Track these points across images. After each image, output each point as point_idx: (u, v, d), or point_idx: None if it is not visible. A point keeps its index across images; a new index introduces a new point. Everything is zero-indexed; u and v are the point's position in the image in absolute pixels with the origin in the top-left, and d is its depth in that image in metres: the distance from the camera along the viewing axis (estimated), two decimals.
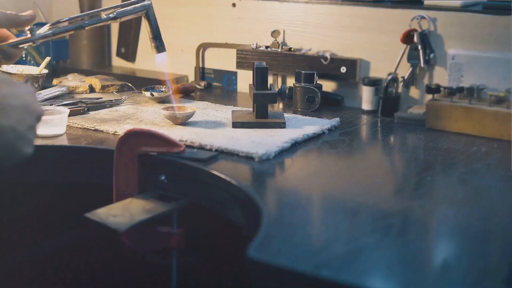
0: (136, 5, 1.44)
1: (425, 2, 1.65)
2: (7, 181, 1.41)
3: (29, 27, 1.30)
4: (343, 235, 0.97)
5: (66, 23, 1.39)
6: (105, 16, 1.41)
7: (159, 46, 1.48)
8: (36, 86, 1.60)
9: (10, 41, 1.29)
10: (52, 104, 1.56)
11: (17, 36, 1.33)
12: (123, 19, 1.43)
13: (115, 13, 1.41)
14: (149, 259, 1.73)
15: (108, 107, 1.63)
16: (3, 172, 1.37)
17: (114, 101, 1.66)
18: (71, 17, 1.40)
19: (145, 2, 1.45)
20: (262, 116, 1.49)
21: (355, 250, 0.91)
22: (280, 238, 0.96)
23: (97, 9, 1.44)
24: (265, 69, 1.49)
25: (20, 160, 1.01)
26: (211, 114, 1.59)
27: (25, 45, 1.31)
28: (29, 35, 1.32)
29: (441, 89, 1.53)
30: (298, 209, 1.09)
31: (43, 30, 1.34)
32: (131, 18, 1.48)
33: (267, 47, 1.85)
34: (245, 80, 1.93)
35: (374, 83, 1.69)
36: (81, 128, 1.48)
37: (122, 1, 2.06)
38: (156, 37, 1.47)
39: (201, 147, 1.33)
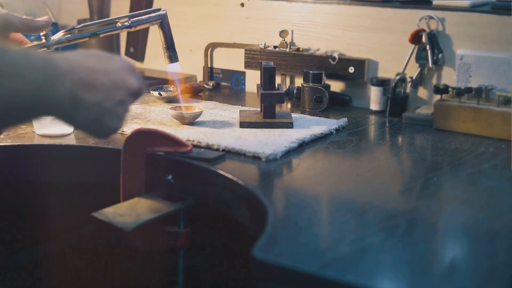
0: (151, 15, 1.45)
1: (434, 2, 1.64)
2: (13, 180, 1.42)
3: (44, 32, 1.31)
4: (349, 235, 0.97)
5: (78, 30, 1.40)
6: (120, 25, 1.41)
7: (172, 56, 1.48)
8: None
9: (25, 46, 1.30)
10: None
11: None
12: (138, 27, 1.43)
13: (130, 22, 1.41)
14: (156, 259, 1.73)
15: None
16: (8, 171, 1.37)
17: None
18: (86, 24, 1.41)
19: (160, 12, 1.46)
20: (269, 116, 1.48)
21: (361, 250, 0.91)
22: (286, 238, 0.96)
23: (113, 17, 1.44)
24: (273, 69, 1.49)
25: (108, 134, 1.04)
26: (218, 114, 1.59)
27: (40, 50, 1.32)
28: (43, 40, 1.32)
29: (449, 89, 1.52)
30: (304, 209, 1.09)
31: (58, 36, 1.35)
32: (146, 27, 1.48)
33: (275, 47, 1.85)
34: (253, 80, 1.93)
35: (382, 83, 1.68)
36: None
37: (131, 3, 2.09)
38: (170, 47, 1.48)
39: (208, 147, 1.34)
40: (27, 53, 0.91)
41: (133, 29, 1.42)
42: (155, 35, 2.10)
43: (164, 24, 1.46)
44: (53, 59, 0.93)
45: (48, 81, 0.90)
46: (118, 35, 2.19)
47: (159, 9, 1.46)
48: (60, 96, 0.92)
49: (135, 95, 1.05)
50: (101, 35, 1.40)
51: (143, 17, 1.43)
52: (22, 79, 0.86)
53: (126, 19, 1.42)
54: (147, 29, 2.13)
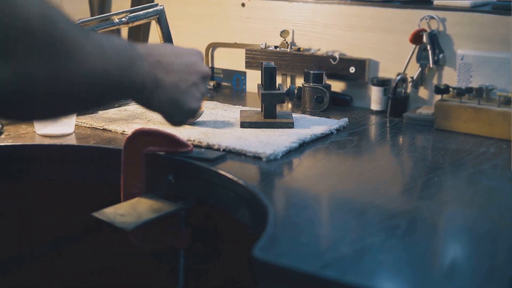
0: (149, 10, 1.45)
1: (434, 2, 1.64)
2: (14, 179, 1.42)
3: None
4: (349, 235, 0.97)
5: None
6: (117, 20, 1.41)
7: None
8: None
9: None
10: None
11: None
12: (135, 23, 1.44)
13: (127, 18, 1.42)
14: (156, 259, 1.73)
15: (117, 107, 1.63)
16: (9, 171, 1.37)
17: (123, 100, 1.66)
18: (84, 20, 1.41)
19: (157, 7, 1.46)
20: (270, 116, 1.48)
21: (361, 250, 0.91)
22: (286, 238, 0.96)
23: (109, 13, 1.45)
24: (273, 69, 1.49)
25: (188, 114, 1.11)
26: (219, 114, 1.59)
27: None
28: None
29: (450, 89, 1.52)
30: (304, 209, 1.09)
31: None
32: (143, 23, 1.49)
33: (276, 47, 1.85)
34: (254, 80, 1.93)
35: (383, 83, 1.68)
36: (89, 127, 1.48)
37: (132, 3, 2.09)
38: (168, 42, 1.48)
39: (208, 147, 1.33)
40: (109, 36, 0.97)
41: (130, 25, 1.42)
42: (156, 36, 2.10)
43: (161, 19, 1.47)
44: (131, 43, 0.99)
45: (130, 62, 0.95)
46: (119, 33, 2.19)
47: (156, 5, 1.46)
48: (141, 78, 0.98)
49: (206, 78, 1.14)
50: (99, 31, 1.41)
51: (140, 12, 1.44)
52: (108, 59, 0.90)
53: (124, 14, 1.42)
54: (148, 27, 2.13)
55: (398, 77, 1.65)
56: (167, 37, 1.48)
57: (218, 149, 1.32)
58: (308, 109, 1.69)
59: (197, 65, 1.12)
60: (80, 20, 1.40)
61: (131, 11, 1.43)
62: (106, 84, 0.92)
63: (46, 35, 0.81)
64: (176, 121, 1.14)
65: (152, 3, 1.47)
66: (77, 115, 1.47)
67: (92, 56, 0.87)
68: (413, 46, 1.64)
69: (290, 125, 1.46)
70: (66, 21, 0.84)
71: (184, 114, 1.11)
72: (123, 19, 1.41)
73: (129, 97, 1.03)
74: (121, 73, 0.94)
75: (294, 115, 1.55)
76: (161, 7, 1.45)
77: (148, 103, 1.04)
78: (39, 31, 0.80)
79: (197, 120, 1.50)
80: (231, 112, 1.60)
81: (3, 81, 0.79)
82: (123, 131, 1.44)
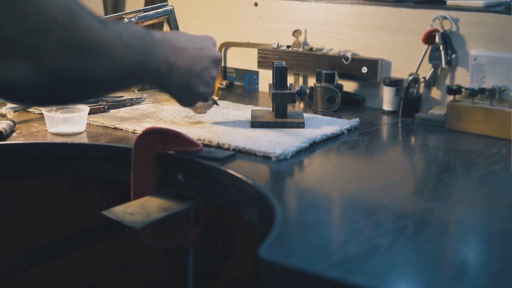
0: (158, 10, 1.46)
1: (448, 2, 1.64)
2: (25, 177, 1.43)
3: None
4: (357, 235, 0.97)
5: None
6: (127, 20, 1.42)
7: None
8: None
9: None
10: None
11: None
12: (145, 23, 1.45)
13: (137, 17, 1.42)
14: (166, 258, 1.73)
15: (128, 106, 1.64)
16: (20, 169, 1.38)
17: (134, 99, 1.67)
18: None
19: (167, 8, 1.46)
20: (281, 116, 1.48)
21: (368, 251, 0.91)
22: (293, 238, 0.96)
23: (120, 13, 1.46)
24: (284, 69, 1.49)
25: (196, 98, 1.20)
26: (230, 113, 1.59)
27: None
28: None
29: (463, 90, 1.51)
30: (313, 209, 1.08)
31: None
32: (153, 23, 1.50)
33: (288, 46, 1.85)
34: (266, 79, 1.93)
35: (395, 83, 1.67)
36: (101, 126, 1.49)
37: (145, 2, 2.09)
38: None
39: (218, 146, 1.33)
40: (126, 24, 1.05)
41: (140, 25, 1.43)
42: None
43: (171, 19, 1.47)
44: (148, 29, 1.04)
45: (147, 48, 1.00)
46: None
47: (166, 5, 1.46)
48: (157, 62, 1.04)
49: (217, 63, 1.20)
50: None
51: (150, 12, 1.45)
52: (127, 47, 0.95)
53: (134, 14, 1.43)
54: (161, 27, 2.13)
55: (411, 78, 1.64)
56: None
57: (228, 149, 1.32)
58: (319, 109, 1.68)
59: (209, 49, 1.17)
60: None
61: (141, 11, 1.44)
62: (126, 70, 0.96)
63: (70, 31, 0.85)
64: (185, 105, 1.21)
65: (163, 3, 1.47)
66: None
67: (112, 46, 0.91)
68: (426, 46, 1.64)
69: (300, 125, 1.46)
70: (88, 14, 0.88)
71: (193, 98, 1.18)
72: (133, 19, 1.42)
73: (145, 81, 1.08)
74: (139, 60, 0.98)
75: (305, 115, 1.55)
76: (171, 7, 1.46)
77: (162, 87, 1.10)
78: (63, 28, 0.83)
79: (208, 119, 1.50)
80: (243, 112, 1.60)
81: (25, 77, 0.83)
82: (134, 130, 1.44)
